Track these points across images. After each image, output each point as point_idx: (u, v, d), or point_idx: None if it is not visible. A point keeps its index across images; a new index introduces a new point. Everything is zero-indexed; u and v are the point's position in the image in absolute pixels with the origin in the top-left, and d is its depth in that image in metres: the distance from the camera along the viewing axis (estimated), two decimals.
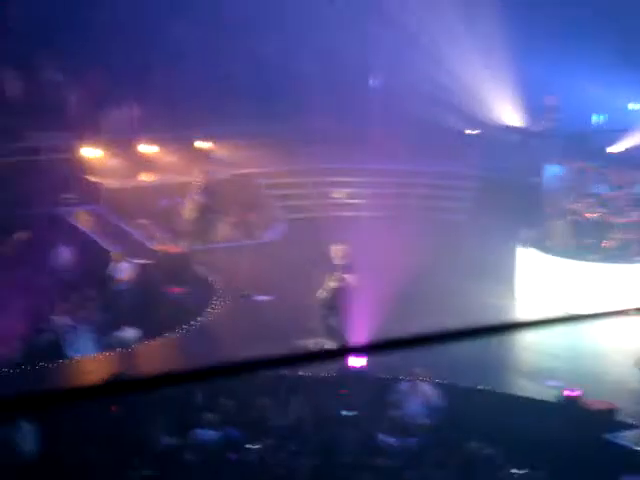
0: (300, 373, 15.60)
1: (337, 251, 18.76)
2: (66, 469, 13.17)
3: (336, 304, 17.79)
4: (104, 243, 22.10)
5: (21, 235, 21.11)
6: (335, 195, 26.71)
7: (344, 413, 14.66)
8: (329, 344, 17.22)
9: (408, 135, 28.39)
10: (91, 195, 24.22)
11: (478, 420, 14.33)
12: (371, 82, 29.64)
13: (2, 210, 22.36)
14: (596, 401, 15.15)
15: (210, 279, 20.79)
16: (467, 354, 15.76)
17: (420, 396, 15.05)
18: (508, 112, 28.82)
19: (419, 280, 20.81)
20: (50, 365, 16.86)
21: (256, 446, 13.84)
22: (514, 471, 13.34)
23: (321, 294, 18.07)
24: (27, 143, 25.25)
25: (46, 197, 23.58)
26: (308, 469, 13.39)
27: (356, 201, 26.65)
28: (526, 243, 21.45)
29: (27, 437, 13.45)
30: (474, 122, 28.86)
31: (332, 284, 18.01)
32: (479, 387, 15.87)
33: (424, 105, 28.30)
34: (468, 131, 29.02)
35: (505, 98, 28.62)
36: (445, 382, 15.70)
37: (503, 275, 21.20)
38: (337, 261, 18.58)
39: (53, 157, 25.04)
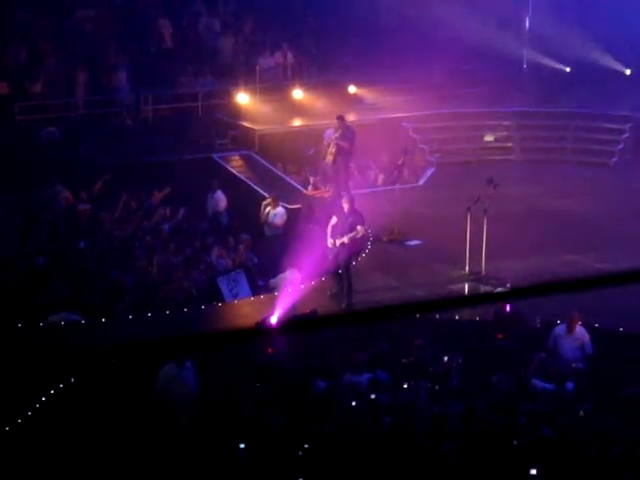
0: (456, 317, 15.55)
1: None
2: (222, 407, 13.49)
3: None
4: (258, 188, 22.38)
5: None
6: (486, 139, 26.33)
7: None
8: (484, 288, 17.08)
9: (562, 78, 27.83)
10: (245, 140, 24.50)
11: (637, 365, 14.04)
12: (526, 26, 28.91)
13: (159, 155, 22.86)
14: None
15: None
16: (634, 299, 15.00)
17: (576, 340, 14.75)
18: None
19: (577, 224, 20.62)
20: (208, 308, 17.25)
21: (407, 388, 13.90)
22: None
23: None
24: (183, 89, 25.68)
25: (202, 142, 23.99)
26: (458, 412, 13.36)
27: (508, 144, 26.25)
28: None
29: (187, 375, 13.82)
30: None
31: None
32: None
33: (579, 47, 27.63)
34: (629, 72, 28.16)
35: None
36: (603, 327, 15.42)
37: None
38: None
39: (208, 103, 25.43)
